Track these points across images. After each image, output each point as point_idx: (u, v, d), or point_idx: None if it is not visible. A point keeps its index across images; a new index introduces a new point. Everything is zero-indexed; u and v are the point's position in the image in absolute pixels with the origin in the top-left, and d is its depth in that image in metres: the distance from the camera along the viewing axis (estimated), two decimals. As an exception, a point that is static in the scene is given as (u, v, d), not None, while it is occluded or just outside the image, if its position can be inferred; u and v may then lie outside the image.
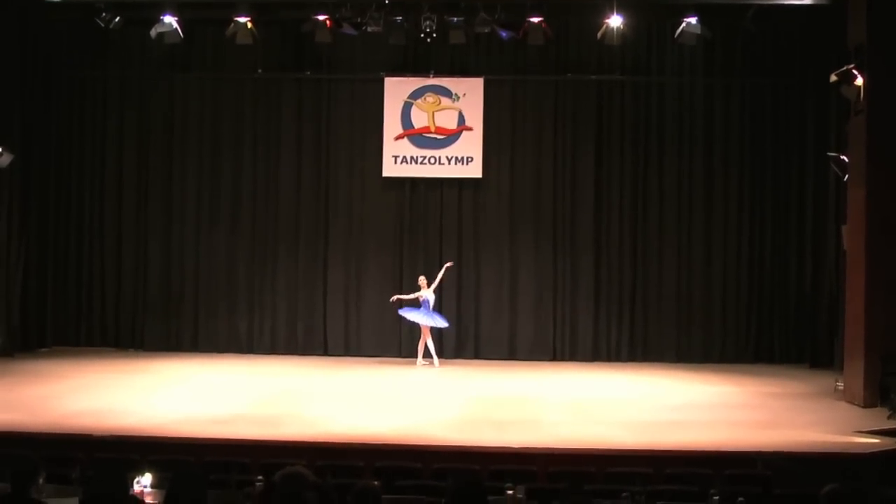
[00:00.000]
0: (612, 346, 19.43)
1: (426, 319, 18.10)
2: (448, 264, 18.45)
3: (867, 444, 12.10)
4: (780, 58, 18.93)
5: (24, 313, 19.17)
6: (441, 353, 18.35)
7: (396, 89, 19.52)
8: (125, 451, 10.39)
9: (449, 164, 19.43)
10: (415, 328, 18.64)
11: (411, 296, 18.26)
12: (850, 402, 14.83)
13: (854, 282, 15.40)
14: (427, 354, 18.20)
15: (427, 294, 18.08)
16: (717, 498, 8.13)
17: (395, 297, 18.37)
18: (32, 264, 19.34)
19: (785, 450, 11.34)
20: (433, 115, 19.48)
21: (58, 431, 11.68)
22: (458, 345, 19.28)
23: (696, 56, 18.96)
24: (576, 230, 19.52)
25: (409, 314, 18.22)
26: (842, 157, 16.37)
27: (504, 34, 17.56)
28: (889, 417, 13.43)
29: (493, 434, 12.18)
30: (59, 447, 10.39)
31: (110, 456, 10.01)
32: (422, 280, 18.26)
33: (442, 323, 18.35)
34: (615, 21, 16.84)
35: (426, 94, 19.50)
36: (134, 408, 13.58)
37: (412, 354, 18.82)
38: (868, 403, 14.50)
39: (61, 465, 8.86)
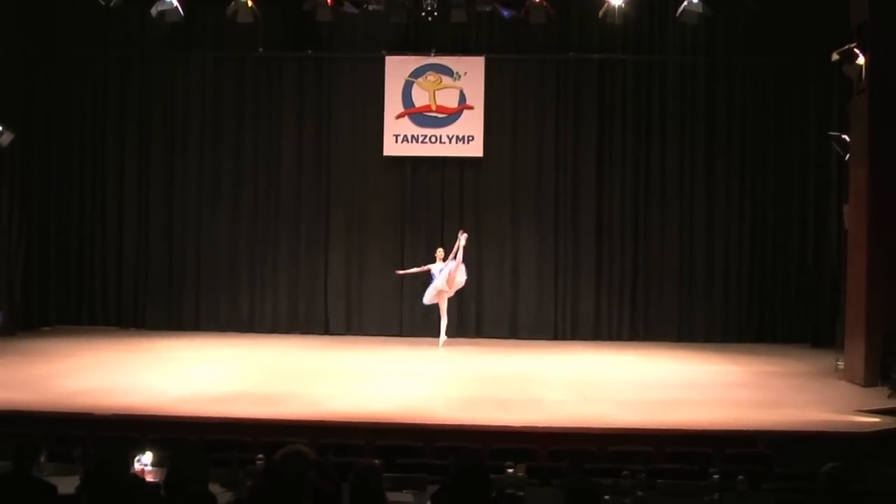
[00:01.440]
0: (614, 326, 19.45)
1: (436, 286, 17.92)
2: (463, 235, 17.94)
3: (868, 423, 12.11)
4: (782, 36, 18.85)
5: (27, 292, 19.20)
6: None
7: (397, 68, 19.49)
8: (126, 429, 10.43)
9: (450, 142, 19.41)
10: (417, 305, 18.69)
11: (419, 269, 18.19)
12: (851, 381, 14.84)
13: (855, 261, 15.40)
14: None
15: (436, 267, 17.97)
16: (717, 477, 8.14)
17: (400, 272, 18.34)
18: (34, 243, 19.36)
19: (786, 429, 11.37)
20: (434, 93, 19.45)
21: (59, 410, 11.68)
22: (459, 323, 19.27)
23: (697, 35, 18.88)
24: (577, 209, 19.51)
25: (426, 296, 18.10)
26: (843, 136, 16.35)
27: (505, 13, 17.53)
28: (889, 396, 13.45)
29: (494, 413, 12.19)
30: (60, 426, 10.41)
31: (112, 434, 10.04)
32: (439, 252, 18.16)
33: (457, 281, 17.96)
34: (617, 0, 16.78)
35: (427, 73, 19.46)
36: (135, 386, 13.58)
37: (413, 333, 18.90)
38: (869, 383, 14.50)
39: (63, 443, 8.88)
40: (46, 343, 17.67)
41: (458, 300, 19.01)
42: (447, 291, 17.95)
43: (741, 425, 11.53)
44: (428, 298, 18.07)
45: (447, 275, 17.77)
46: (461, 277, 17.98)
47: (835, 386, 14.76)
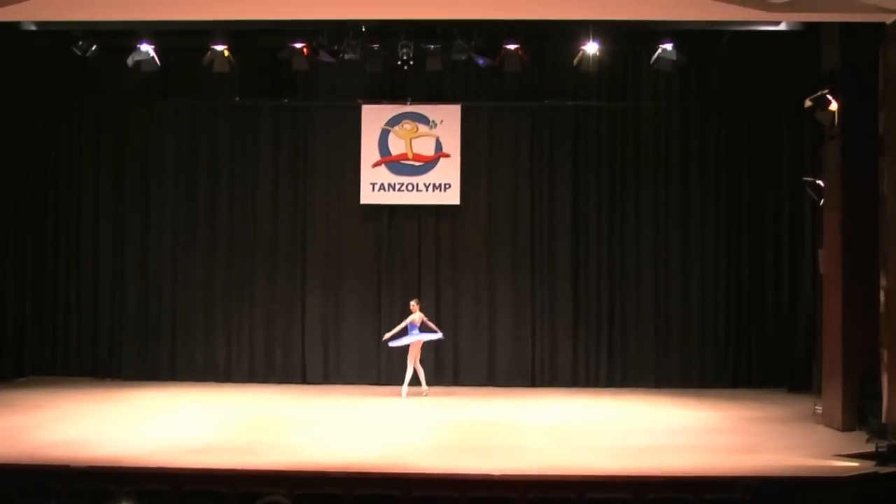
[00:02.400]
0: (591, 372, 19.41)
1: (412, 339, 17.94)
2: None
3: (846, 467, 12.12)
4: (756, 82, 19.03)
5: (1, 343, 19.04)
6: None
7: (374, 116, 19.54)
8: (102, 481, 10.30)
9: (427, 190, 19.45)
10: (394, 353, 18.62)
11: (399, 326, 18.15)
12: (829, 425, 14.87)
13: (831, 305, 15.46)
14: (415, 382, 18.03)
15: (415, 318, 17.96)
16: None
17: (386, 336, 18.24)
18: (9, 293, 19.23)
19: (765, 474, 11.37)
20: (410, 141, 19.50)
21: (34, 462, 11.58)
22: (436, 371, 19.20)
23: (672, 81, 19.03)
24: (554, 256, 19.54)
25: (398, 342, 18.07)
26: (817, 181, 16.45)
27: (481, 61, 17.59)
28: (867, 440, 13.46)
29: (472, 461, 12.15)
30: (35, 478, 10.31)
31: (87, 487, 9.93)
32: (413, 304, 18.17)
33: (429, 337, 18.13)
34: (591, 48, 16.87)
35: (403, 121, 19.53)
36: (111, 438, 13.49)
37: (391, 381, 18.76)
38: (846, 427, 14.54)
39: (38, 496, 8.79)
40: (21, 394, 17.52)
41: (435, 348, 18.96)
42: (416, 346, 18.05)
43: (720, 471, 11.55)
44: (398, 343, 18.07)
45: (416, 339, 17.92)
46: (432, 337, 18.16)
47: (813, 430, 14.79)
